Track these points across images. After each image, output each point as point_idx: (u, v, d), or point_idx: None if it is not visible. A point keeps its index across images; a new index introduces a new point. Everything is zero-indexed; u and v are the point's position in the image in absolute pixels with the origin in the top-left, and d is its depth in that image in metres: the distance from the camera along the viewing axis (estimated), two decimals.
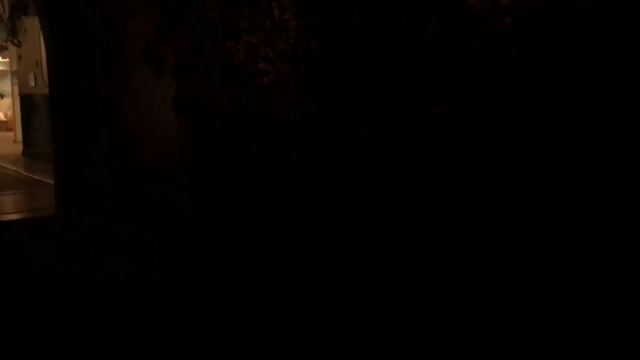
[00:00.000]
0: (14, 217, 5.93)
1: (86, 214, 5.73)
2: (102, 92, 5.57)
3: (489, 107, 3.48)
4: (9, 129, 15.38)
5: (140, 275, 4.01)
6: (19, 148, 11.99)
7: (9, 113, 15.66)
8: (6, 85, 16.33)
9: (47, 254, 4.52)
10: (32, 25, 10.26)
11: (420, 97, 3.84)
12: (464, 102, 3.64)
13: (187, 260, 4.39)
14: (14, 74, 12.89)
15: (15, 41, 11.05)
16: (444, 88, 3.73)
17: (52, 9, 5.78)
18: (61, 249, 4.67)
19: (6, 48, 13.37)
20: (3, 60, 16.39)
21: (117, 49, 5.47)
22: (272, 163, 4.98)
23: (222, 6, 5.12)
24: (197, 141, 5.36)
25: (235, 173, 5.18)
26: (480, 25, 3.48)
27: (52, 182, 6.30)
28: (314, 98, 4.73)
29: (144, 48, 5.34)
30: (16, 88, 12.52)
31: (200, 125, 5.32)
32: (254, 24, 4.95)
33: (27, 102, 11.56)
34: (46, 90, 6.90)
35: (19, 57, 11.70)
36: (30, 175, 8.92)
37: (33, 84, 10.68)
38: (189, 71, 5.24)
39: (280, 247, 4.55)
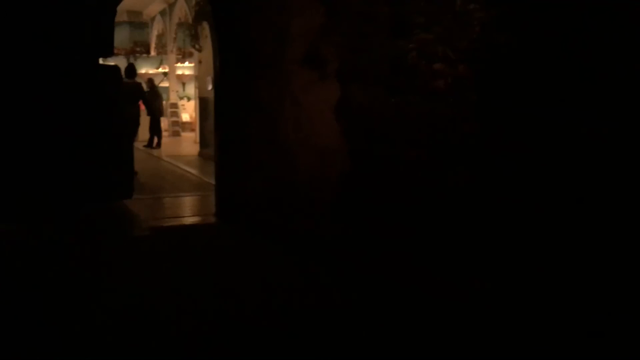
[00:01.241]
0: (172, 222, 5.88)
1: (241, 225, 5.45)
2: (262, 96, 5.23)
3: None
4: (193, 130, 16.40)
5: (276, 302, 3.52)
6: (197, 149, 12.57)
7: (194, 115, 16.72)
8: (192, 89, 17.50)
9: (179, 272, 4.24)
10: None
11: None
12: None
13: (330, 288, 3.81)
14: (196, 78, 13.62)
15: (197, 46, 11.54)
16: None
17: (219, 11, 5.60)
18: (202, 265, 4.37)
19: (192, 54, 14.21)
20: (190, 65, 17.58)
21: (279, 50, 5.08)
22: (438, 182, 4.20)
23: None
24: (357, 152, 4.76)
25: (395, 190, 4.49)
26: None
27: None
28: (498, 106, 3.86)
29: (306, 49, 4.88)
30: (198, 91, 13.22)
31: (362, 134, 4.72)
32: (431, 18, 4.20)
33: (204, 105, 12.07)
34: None
35: (200, 62, 12.26)
36: (201, 177, 9.11)
37: (210, 88, 11.03)
38: (352, 74, 4.66)
39: (432, 282, 3.76)
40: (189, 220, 6.04)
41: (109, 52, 5.91)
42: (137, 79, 10.31)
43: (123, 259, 4.49)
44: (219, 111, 5.92)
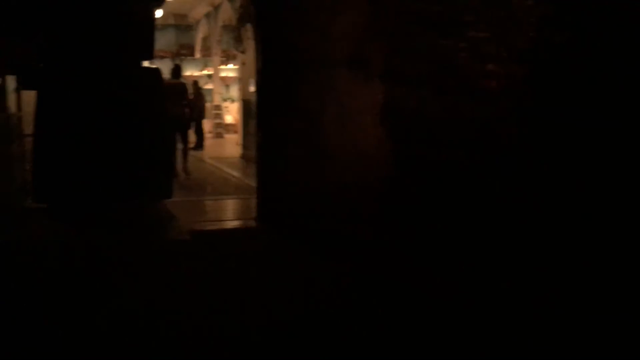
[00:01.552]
0: (212, 226, 5.80)
1: (283, 229, 5.32)
2: (304, 97, 5.10)
3: None
4: (236, 132, 16.45)
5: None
6: (240, 151, 12.56)
7: (237, 117, 16.77)
8: (235, 91, 17.58)
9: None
10: None
11: None
12: None
13: (373, 294, 3.63)
14: (240, 80, 13.63)
15: (241, 48, 11.53)
16: None
17: (262, 13, 5.50)
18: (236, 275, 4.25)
19: (236, 56, 14.25)
20: (234, 67, 17.66)
21: (321, 51, 4.94)
22: (492, 186, 3.97)
23: None
24: (401, 156, 4.57)
25: (444, 196, 4.28)
26: None
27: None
28: (558, 108, 3.61)
29: (350, 50, 4.73)
30: (241, 93, 13.21)
31: (406, 137, 4.53)
32: (483, 17, 3.98)
33: (247, 107, 12.05)
34: None
35: (243, 64, 12.25)
36: (243, 179, 9.05)
37: (252, 89, 11.00)
38: (398, 75, 4.48)
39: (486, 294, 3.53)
40: (230, 224, 5.95)
41: (150, 55, 6.01)
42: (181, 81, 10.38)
43: (159, 262, 4.43)
44: (261, 113, 5.82)
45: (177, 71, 9.92)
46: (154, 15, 6.21)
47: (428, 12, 4.30)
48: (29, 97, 6.53)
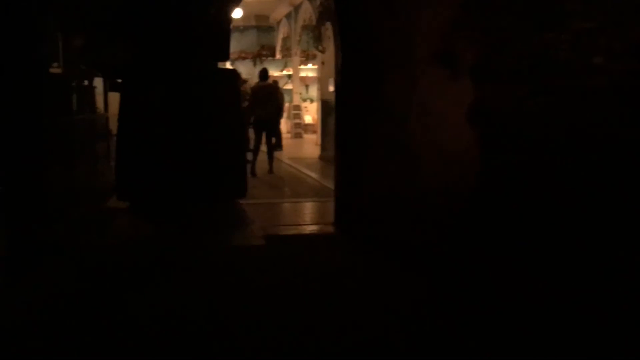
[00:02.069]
0: (287, 231, 5.64)
1: (362, 236, 5.07)
2: (385, 97, 4.82)
3: None
4: (315, 132, 16.39)
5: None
6: (318, 151, 12.44)
7: (316, 117, 16.70)
8: (315, 91, 17.52)
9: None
10: None
11: None
12: None
13: (461, 313, 3.30)
14: (319, 80, 13.52)
15: (320, 48, 11.40)
16: None
17: (342, 9, 5.27)
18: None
19: (315, 56, 14.15)
20: (313, 67, 17.60)
21: (404, 48, 4.63)
22: (600, 197, 3.52)
23: None
24: (492, 161, 4.18)
25: (543, 206, 3.86)
26: None
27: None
28: None
29: (437, 45, 4.38)
30: (320, 93, 13.09)
31: (499, 140, 4.13)
32: (591, 5, 3.53)
33: (325, 107, 11.90)
34: None
35: (322, 63, 12.11)
36: (321, 181, 8.88)
37: (331, 89, 10.82)
38: (490, 72, 4.09)
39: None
40: (306, 229, 5.76)
41: (226, 57, 6.02)
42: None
43: (231, 269, 4.30)
44: (340, 113, 5.60)
45: (264, 74, 10.14)
46: (229, 16, 6.19)
47: (524, 2, 3.90)
48: (117, 98, 6.69)
